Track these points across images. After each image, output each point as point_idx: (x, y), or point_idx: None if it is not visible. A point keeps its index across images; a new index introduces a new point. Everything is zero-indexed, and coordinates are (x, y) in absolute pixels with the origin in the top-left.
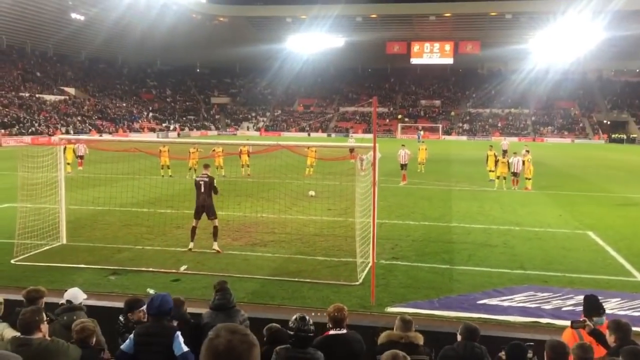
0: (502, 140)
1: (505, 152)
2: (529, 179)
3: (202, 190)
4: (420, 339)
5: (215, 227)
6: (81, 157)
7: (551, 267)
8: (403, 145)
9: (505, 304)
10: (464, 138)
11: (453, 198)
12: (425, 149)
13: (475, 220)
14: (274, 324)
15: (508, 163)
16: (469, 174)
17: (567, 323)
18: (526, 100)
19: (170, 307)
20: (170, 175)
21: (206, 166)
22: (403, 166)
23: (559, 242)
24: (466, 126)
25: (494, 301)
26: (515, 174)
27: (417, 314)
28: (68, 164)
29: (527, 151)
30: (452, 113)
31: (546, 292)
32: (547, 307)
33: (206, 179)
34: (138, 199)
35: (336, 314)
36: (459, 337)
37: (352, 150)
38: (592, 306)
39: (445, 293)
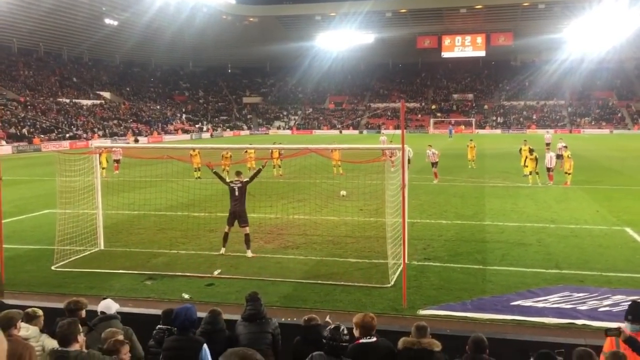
0: (545, 133)
1: (548, 144)
2: (569, 173)
3: (236, 195)
4: (435, 346)
5: (247, 235)
6: (117, 161)
7: (587, 266)
8: (430, 145)
9: (540, 305)
10: (498, 131)
11: (486, 195)
12: (474, 147)
13: (509, 218)
14: (314, 316)
15: (536, 158)
16: (503, 169)
17: (604, 324)
18: (561, 90)
19: (193, 320)
20: (199, 177)
21: (238, 173)
22: (433, 164)
23: (595, 240)
24: (500, 119)
25: (528, 302)
26: (549, 169)
27: (450, 317)
28: (103, 168)
29: (565, 146)
30: (485, 106)
31: (582, 293)
32: (583, 308)
33: (239, 185)
34: (172, 203)
35: (364, 322)
36: (467, 350)
37: (383, 152)
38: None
39: (478, 294)
